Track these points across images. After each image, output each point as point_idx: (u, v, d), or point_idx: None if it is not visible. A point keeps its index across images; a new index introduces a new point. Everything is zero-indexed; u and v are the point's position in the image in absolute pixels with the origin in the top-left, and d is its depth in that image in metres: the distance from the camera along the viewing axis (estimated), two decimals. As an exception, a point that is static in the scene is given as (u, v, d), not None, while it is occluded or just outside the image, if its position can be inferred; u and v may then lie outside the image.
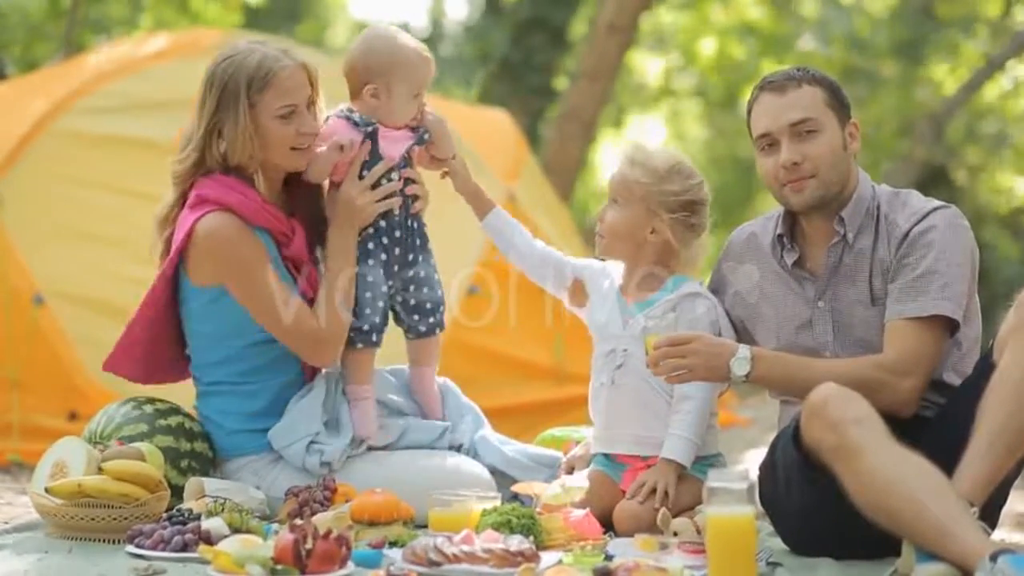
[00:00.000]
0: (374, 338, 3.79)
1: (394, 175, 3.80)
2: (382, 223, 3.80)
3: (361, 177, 3.77)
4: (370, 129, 3.76)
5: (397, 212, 3.82)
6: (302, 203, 3.86)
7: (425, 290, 3.87)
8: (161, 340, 3.81)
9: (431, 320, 3.88)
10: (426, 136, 3.84)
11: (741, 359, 3.38)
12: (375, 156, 3.78)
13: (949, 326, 3.39)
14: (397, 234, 3.82)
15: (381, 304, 3.79)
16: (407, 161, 3.84)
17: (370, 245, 3.79)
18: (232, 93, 3.67)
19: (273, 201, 3.77)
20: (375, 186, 3.78)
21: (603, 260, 3.80)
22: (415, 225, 3.88)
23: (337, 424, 3.78)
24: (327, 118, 3.81)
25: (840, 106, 3.52)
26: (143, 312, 3.77)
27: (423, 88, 3.80)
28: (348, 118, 3.77)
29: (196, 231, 3.66)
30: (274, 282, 3.68)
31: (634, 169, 3.66)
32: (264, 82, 3.67)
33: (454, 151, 3.86)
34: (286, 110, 3.69)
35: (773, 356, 3.44)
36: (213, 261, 3.68)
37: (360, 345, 3.78)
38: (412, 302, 3.87)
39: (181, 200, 3.76)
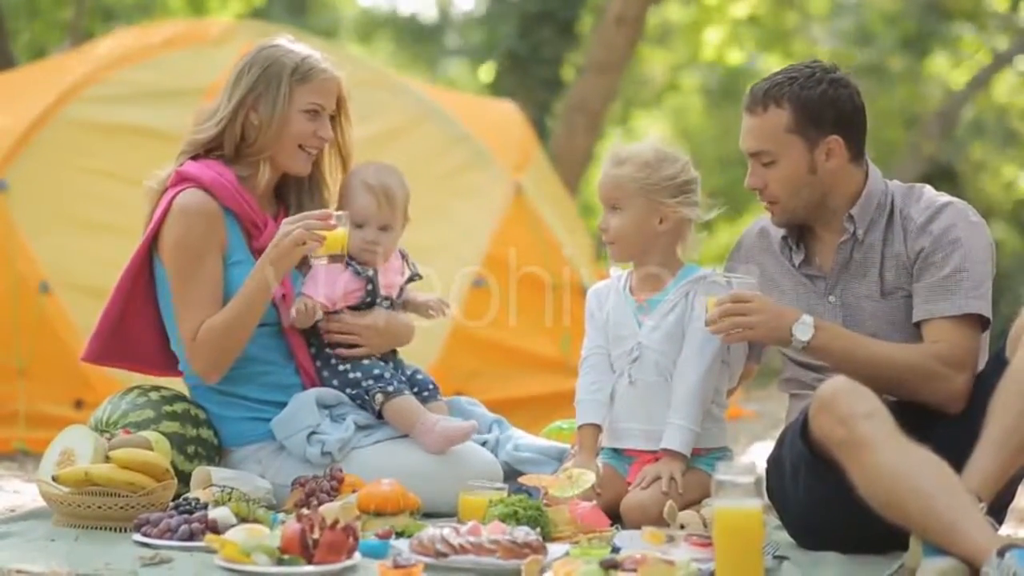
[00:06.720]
0: (404, 392, 3.79)
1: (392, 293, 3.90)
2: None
3: (359, 308, 3.83)
4: (371, 273, 3.84)
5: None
6: (294, 198, 3.87)
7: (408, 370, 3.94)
8: (136, 327, 3.77)
9: (430, 387, 3.92)
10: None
11: (805, 325, 3.39)
12: (375, 293, 3.86)
13: (982, 324, 3.40)
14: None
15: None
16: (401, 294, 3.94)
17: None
18: (275, 75, 3.72)
19: (257, 194, 3.78)
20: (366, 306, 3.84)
21: (619, 267, 3.76)
22: None
23: (341, 415, 3.78)
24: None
25: (810, 126, 3.44)
26: (116, 294, 3.74)
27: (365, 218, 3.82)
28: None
29: (172, 207, 3.68)
30: (210, 281, 3.65)
31: (623, 168, 3.62)
32: (305, 75, 3.74)
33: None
34: (315, 106, 3.76)
35: (835, 329, 3.44)
36: (170, 235, 3.67)
37: (396, 397, 3.78)
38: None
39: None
